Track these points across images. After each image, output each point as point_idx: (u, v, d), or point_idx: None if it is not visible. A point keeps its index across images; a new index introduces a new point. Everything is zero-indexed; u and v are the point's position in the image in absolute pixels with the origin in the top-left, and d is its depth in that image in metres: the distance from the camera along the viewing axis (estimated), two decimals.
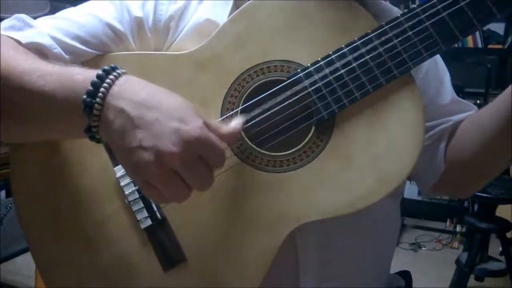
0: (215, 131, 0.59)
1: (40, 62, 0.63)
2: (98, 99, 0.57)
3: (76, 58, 0.72)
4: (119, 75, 0.58)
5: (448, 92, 0.84)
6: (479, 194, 2.33)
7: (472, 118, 0.81)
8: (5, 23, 0.70)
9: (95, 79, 0.57)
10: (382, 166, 0.66)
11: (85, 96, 0.57)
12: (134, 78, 0.60)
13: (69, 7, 0.76)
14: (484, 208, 2.48)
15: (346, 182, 0.67)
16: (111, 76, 0.58)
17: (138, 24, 0.74)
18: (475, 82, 3.11)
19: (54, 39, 0.70)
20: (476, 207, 3.02)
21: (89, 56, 0.73)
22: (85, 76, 0.59)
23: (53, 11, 0.77)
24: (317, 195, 0.67)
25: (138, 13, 0.74)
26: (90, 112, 0.57)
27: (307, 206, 0.67)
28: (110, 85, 0.57)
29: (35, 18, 0.74)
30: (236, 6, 0.75)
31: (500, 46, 3.17)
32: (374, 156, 0.66)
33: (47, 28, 0.70)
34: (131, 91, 0.57)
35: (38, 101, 0.61)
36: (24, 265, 2.49)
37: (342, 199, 0.67)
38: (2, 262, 2.43)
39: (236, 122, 0.63)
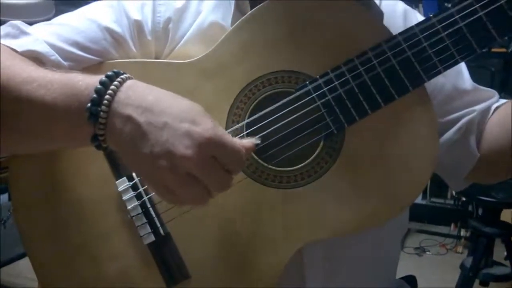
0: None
1: (39, 70, 0.61)
2: (103, 107, 0.55)
3: (75, 65, 0.70)
4: (124, 80, 0.56)
5: (467, 79, 0.82)
6: (483, 198, 2.32)
7: (504, 108, 0.79)
8: (0, 31, 0.68)
9: (99, 86, 0.55)
10: (392, 187, 0.64)
11: (89, 105, 0.55)
12: (139, 82, 0.58)
13: (74, 10, 0.74)
14: (489, 212, 2.46)
15: (354, 201, 0.65)
16: (115, 82, 0.56)
17: (138, 27, 0.72)
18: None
19: (52, 46, 0.68)
20: (480, 211, 3.01)
21: (89, 62, 0.71)
22: (87, 82, 0.57)
23: (58, 14, 0.75)
24: (325, 214, 0.65)
25: (137, 16, 0.72)
26: (96, 120, 0.55)
27: (314, 225, 0.65)
28: (115, 92, 0.55)
29: (40, 21, 0.72)
30: (237, 7, 0.73)
31: (504, 50, 3.16)
32: (384, 175, 0.64)
33: (44, 35, 0.68)
34: (137, 96, 0.55)
35: (39, 111, 0.58)
36: (27, 268, 2.47)
37: (350, 218, 0.65)
38: (5, 265, 2.42)
39: (249, 141, 0.60)
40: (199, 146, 0.53)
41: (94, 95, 0.55)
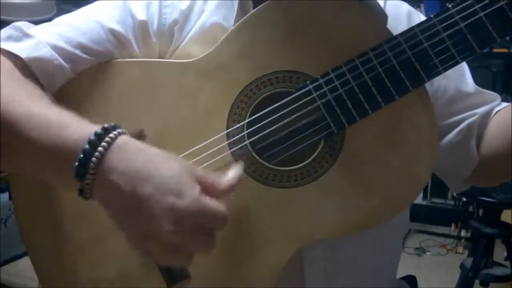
0: (213, 188, 0.56)
1: (36, 106, 0.59)
2: (90, 170, 0.53)
3: (77, 66, 0.69)
4: (112, 140, 0.54)
5: (470, 82, 0.82)
6: (484, 198, 2.32)
7: (505, 111, 0.79)
8: (3, 32, 0.67)
9: (87, 147, 0.54)
10: (393, 186, 0.64)
11: (76, 164, 0.54)
12: (128, 141, 0.56)
13: (76, 9, 0.74)
14: (489, 213, 2.47)
15: (355, 200, 0.65)
16: (103, 144, 0.54)
17: (143, 28, 0.72)
18: (480, 86, 3.10)
19: (55, 47, 0.67)
20: (481, 212, 3.01)
21: (90, 64, 0.70)
22: (77, 137, 0.55)
23: (59, 13, 0.75)
24: (325, 214, 0.65)
25: (142, 16, 0.72)
26: (82, 180, 0.54)
27: (314, 225, 0.65)
28: (103, 154, 0.54)
29: (42, 20, 0.72)
30: (241, 7, 0.73)
31: (505, 50, 3.16)
32: (385, 175, 0.64)
33: (47, 36, 0.68)
34: (124, 161, 0.54)
35: (31, 153, 0.58)
36: (27, 267, 2.47)
37: (350, 218, 0.65)
38: (5, 264, 2.43)
39: (234, 172, 0.60)
40: (182, 220, 0.52)
41: (81, 156, 0.54)
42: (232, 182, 0.59)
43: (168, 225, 0.52)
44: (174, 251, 0.54)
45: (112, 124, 0.56)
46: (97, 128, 0.55)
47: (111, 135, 0.55)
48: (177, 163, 0.56)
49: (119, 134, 0.55)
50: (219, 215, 0.54)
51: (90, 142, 0.54)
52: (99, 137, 0.54)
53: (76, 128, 0.56)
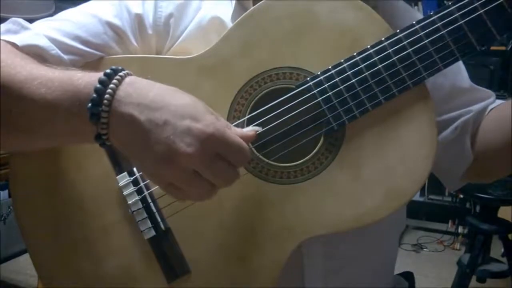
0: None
1: (39, 68, 0.61)
2: (104, 107, 0.54)
3: (76, 59, 0.70)
4: (122, 77, 0.56)
5: (465, 79, 0.83)
6: (481, 195, 2.33)
7: (501, 109, 0.79)
8: (1, 27, 0.68)
9: (98, 85, 0.55)
10: (392, 182, 0.64)
11: (90, 105, 0.55)
12: (139, 78, 0.57)
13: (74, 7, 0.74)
14: (486, 209, 2.47)
15: (354, 196, 0.65)
16: (114, 81, 0.55)
17: (139, 21, 0.72)
18: (477, 84, 3.11)
19: (53, 40, 0.68)
20: (478, 208, 3.02)
21: (89, 57, 0.71)
22: (87, 81, 0.57)
23: (58, 11, 0.75)
24: (325, 209, 0.65)
25: (138, 10, 0.72)
26: (97, 120, 0.55)
27: (314, 220, 0.66)
28: (115, 90, 0.55)
29: (40, 18, 0.72)
30: (239, 4, 0.73)
31: (503, 48, 3.16)
32: (384, 171, 0.65)
33: (45, 30, 0.68)
34: (137, 93, 0.55)
35: (41, 109, 0.58)
36: (27, 264, 2.47)
37: (350, 213, 0.65)
38: (5, 261, 2.42)
39: (250, 129, 0.60)
40: (200, 143, 0.52)
41: (94, 95, 0.55)
42: (246, 132, 0.59)
43: (185, 147, 0.52)
44: (195, 179, 0.54)
45: (120, 67, 0.57)
46: (105, 70, 0.56)
47: (120, 73, 0.56)
48: (189, 95, 0.57)
49: (128, 74, 0.57)
50: (237, 143, 0.55)
51: (101, 81, 0.55)
52: (109, 76, 0.56)
53: (84, 75, 0.58)
